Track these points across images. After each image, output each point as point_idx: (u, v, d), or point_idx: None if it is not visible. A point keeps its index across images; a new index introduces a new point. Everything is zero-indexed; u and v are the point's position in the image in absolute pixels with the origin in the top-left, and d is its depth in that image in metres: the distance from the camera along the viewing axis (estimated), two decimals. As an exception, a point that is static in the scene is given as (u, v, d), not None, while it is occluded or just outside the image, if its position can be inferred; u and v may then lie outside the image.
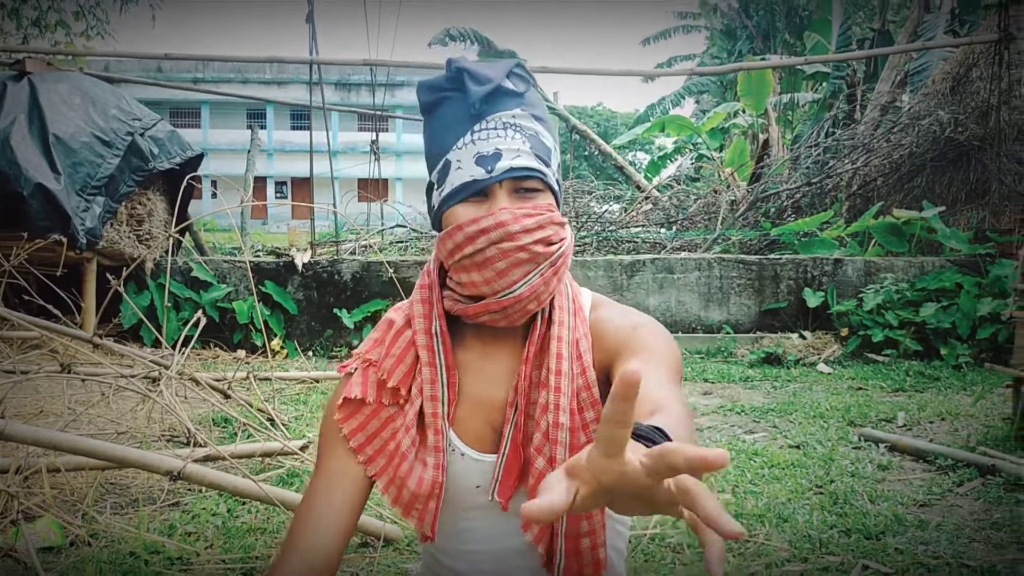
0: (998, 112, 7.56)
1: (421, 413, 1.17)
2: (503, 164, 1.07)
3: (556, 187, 1.14)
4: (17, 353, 3.80)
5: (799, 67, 12.68)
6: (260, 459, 3.44)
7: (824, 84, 13.09)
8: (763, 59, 15.00)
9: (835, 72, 12.14)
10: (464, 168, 1.09)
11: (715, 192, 9.75)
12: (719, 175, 10.65)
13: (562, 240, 1.14)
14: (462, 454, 1.17)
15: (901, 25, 12.40)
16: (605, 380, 1.17)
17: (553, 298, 1.17)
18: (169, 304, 4.25)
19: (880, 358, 6.47)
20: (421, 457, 1.15)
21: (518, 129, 1.10)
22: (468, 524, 1.21)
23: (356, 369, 1.20)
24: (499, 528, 1.20)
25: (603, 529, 1.16)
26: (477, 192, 1.09)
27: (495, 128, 1.10)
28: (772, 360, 6.59)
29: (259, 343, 6.87)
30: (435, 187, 1.14)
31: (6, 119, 5.94)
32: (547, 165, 1.11)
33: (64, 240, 4.56)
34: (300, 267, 7.18)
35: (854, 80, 11.72)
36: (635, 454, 0.65)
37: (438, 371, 1.17)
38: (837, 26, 13.37)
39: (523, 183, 1.10)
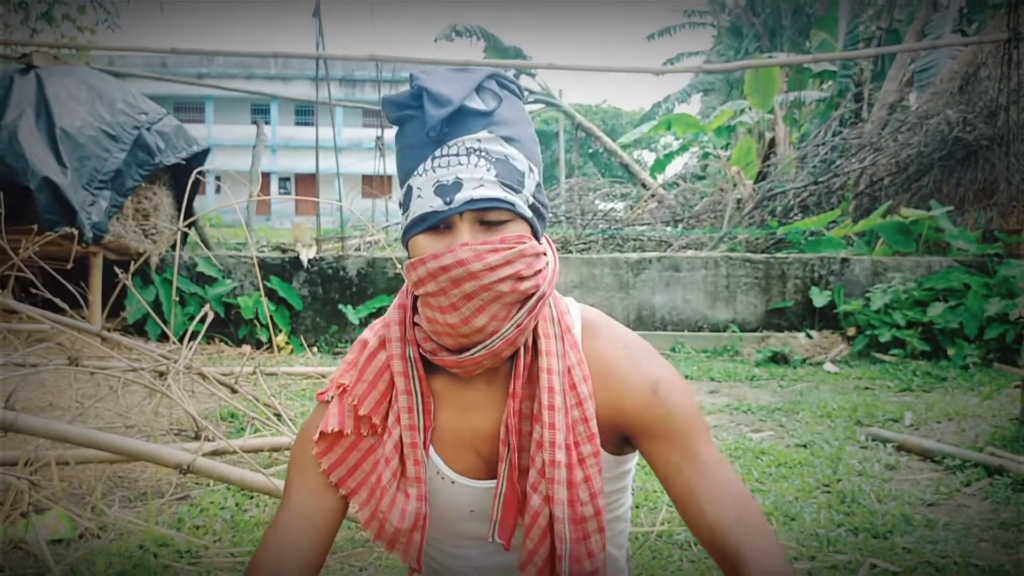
0: (1007, 112, 7.53)
1: (400, 443, 1.11)
2: (463, 195, 0.99)
3: (532, 214, 1.05)
4: (25, 346, 3.80)
5: (806, 65, 12.66)
6: (268, 454, 3.44)
7: (831, 83, 13.06)
8: (770, 57, 14.98)
9: (842, 71, 12.12)
10: (424, 197, 1.01)
11: (721, 190, 9.75)
12: (725, 173, 10.63)
13: (538, 273, 1.06)
14: (452, 481, 1.13)
15: (909, 24, 12.35)
16: (613, 429, 1.12)
17: (536, 324, 1.10)
18: (176, 299, 4.25)
19: (887, 358, 6.46)
20: (403, 488, 1.10)
21: (482, 155, 1.01)
22: (462, 552, 1.18)
23: (333, 397, 1.13)
24: (494, 558, 1.17)
25: (605, 564, 1.11)
26: (438, 224, 1.02)
27: (456, 154, 1.01)
28: (778, 359, 6.58)
29: (264, 338, 6.88)
30: (401, 210, 1.07)
31: (13, 113, 5.95)
32: (517, 192, 1.02)
33: (75, 233, 4.55)
34: (305, 263, 7.18)
35: (861, 79, 11.68)
36: None
37: (415, 399, 1.10)
38: (844, 24, 13.35)
39: (487, 215, 1.01)
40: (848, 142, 9.31)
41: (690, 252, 7.79)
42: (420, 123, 1.02)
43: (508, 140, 1.03)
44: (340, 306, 7.13)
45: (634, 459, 1.21)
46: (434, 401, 1.13)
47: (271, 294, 7.05)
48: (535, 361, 1.10)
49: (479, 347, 1.05)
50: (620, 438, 1.13)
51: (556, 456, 1.05)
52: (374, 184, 10.98)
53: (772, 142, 10.89)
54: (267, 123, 29.69)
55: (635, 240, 8.74)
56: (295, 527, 1.09)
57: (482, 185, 1.00)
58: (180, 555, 2.62)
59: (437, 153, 1.01)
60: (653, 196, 10.68)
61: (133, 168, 6.40)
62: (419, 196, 1.02)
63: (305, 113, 33.18)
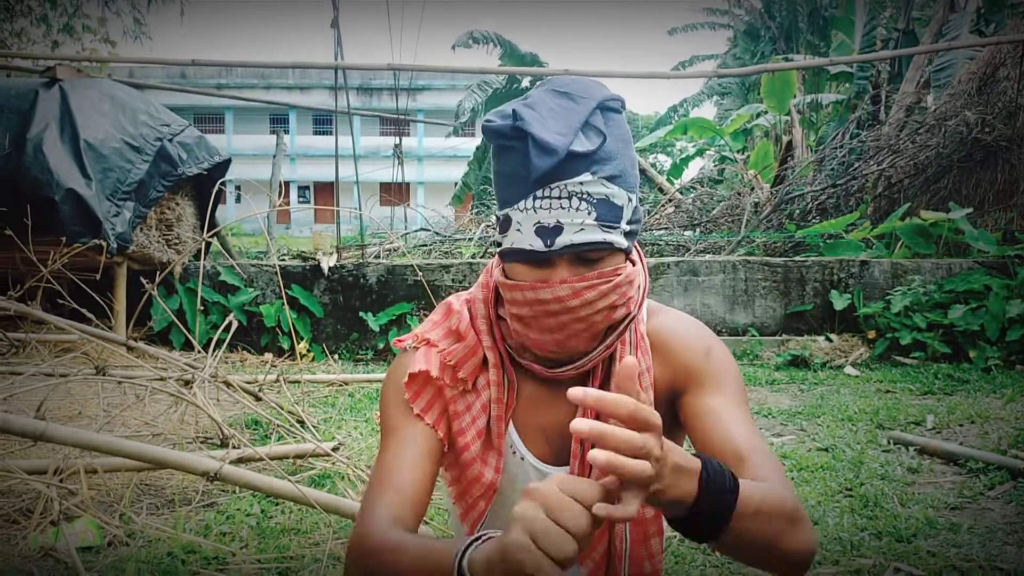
0: (1026, 112, 7.49)
1: (489, 406, 1.16)
2: (563, 239, 1.01)
3: (627, 242, 1.07)
4: (53, 356, 3.87)
5: (823, 68, 12.60)
6: (292, 460, 3.48)
7: (848, 85, 12.98)
8: (786, 59, 14.91)
9: (859, 73, 12.04)
10: (524, 234, 1.03)
11: (739, 194, 9.71)
12: (742, 177, 10.60)
13: (630, 300, 1.10)
14: (522, 458, 1.17)
15: (926, 25, 12.27)
16: (667, 401, 1.16)
17: None
18: (200, 308, 4.32)
19: (908, 361, 6.43)
20: (483, 456, 1.15)
21: (584, 198, 1.01)
22: None
23: (413, 346, 1.18)
24: None
25: (661, 557, 1.16)
26: (536, 259, 1.04)
27: (558, 197, 1.01)
28: (799, 363, 6.56)
29: (286, 346, 6.93)
30: (499, 230, 1.09)
31: (38, 126, 6.03)
32: (614, 228, 1.03)
33: (104, 245, 4.62)
34: (326, 271, 7.24)
35: (878, 80, 11.61)
36: None
37: (502, 373, 1.16)
38: (861, 26, 13.26)
39: (586, 253, 1.04)
40: (866, 144, 9.26)
41: (708, 256, 7.77)
42: (522, 158, 1.01)
43: (610, 179, 1.03)
44: (361, 313, 7.17)
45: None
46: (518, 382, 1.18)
47: (292, 302, 7.10)
48: (610, 367, 1.14)
49: (567, 366, 1.10)
50: (672, 412, 1.17)
51: None
52: (392, 192, 11.03)
53: (789, 145, 10.85)
54: (286, 132, 29.97)
55: (653, 244, 8.72)
56: (401, 452, 1.10)
57: (582, 229, 1.01)
58: (207, 562, 2.66)
59: (539, 194, 1.01)
60: (670, 201, 10.66)
61: (156, 179, 6.48)
62: (518, 230, 1.03)
63: (323, 122, 33.42)
